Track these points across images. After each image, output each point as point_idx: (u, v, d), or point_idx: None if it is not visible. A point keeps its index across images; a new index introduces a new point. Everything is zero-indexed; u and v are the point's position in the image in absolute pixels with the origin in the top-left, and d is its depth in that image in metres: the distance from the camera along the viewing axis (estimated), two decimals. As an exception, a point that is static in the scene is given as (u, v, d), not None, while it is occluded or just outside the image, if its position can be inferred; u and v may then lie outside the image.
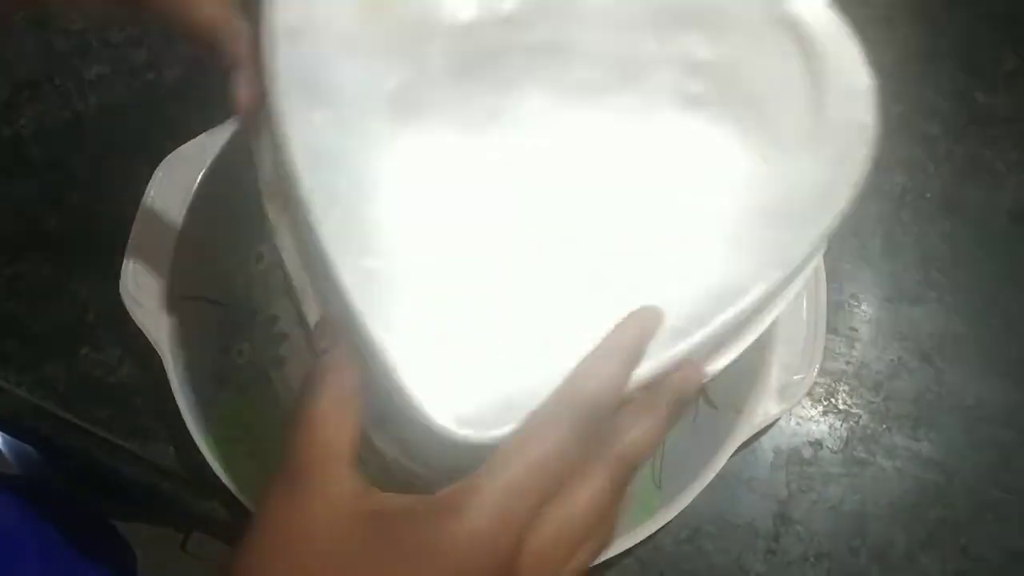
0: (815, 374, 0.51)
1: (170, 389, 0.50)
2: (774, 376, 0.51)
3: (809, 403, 0.55)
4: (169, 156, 0.55)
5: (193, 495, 0.52)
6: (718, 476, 0.50)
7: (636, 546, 0.48)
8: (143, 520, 0.80)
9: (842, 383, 0.56)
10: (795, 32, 0.38)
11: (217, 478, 0.49)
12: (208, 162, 0.54)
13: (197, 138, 0.55)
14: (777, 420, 0.52)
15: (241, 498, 0.49)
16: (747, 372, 0.51)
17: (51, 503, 0.62)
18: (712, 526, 0.52)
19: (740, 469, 0.53)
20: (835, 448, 0.54)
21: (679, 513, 0.49)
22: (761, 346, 0.51)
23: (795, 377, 0.51)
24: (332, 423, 0.31)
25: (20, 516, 0.58)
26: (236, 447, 0.50)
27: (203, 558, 0.90)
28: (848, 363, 0.56)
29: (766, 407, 0.50)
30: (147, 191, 0.54)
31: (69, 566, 0.59)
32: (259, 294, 0.55)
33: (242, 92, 0.36)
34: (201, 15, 0.36)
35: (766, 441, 0.54)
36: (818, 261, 0.52)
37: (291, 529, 0.30)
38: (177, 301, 0.52)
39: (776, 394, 0.50)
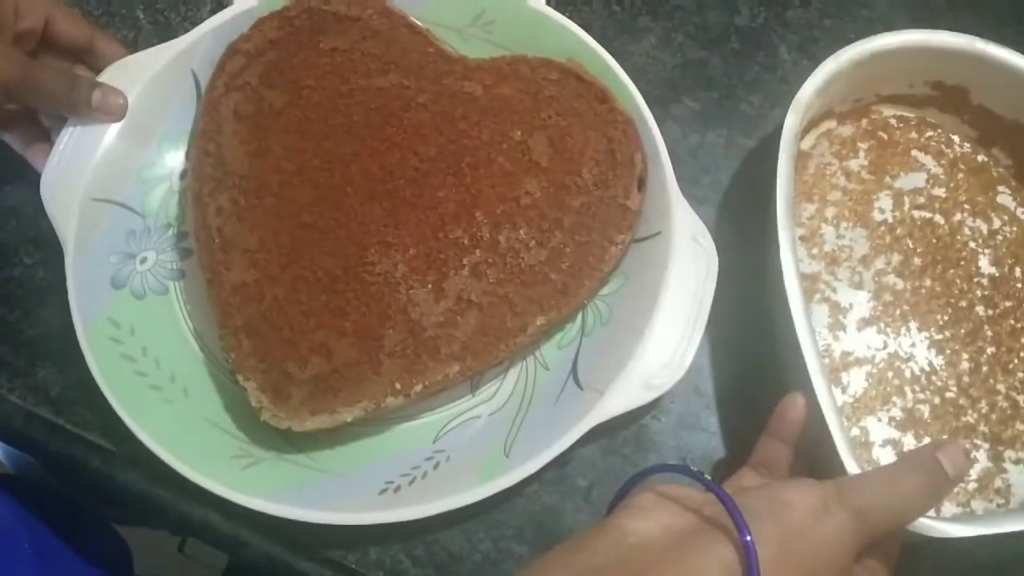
0: (686, 367, 0.50)
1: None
2: (643, 365, 0.50)
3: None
4: (116, 63, 0.57)
5: (189, 503, 0.51)
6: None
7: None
8: (140, 523, 0.82)
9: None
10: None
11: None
12: (148, 76, 0.56)
13: (147, 51, 0.57)
14: (645, 409, 0.51)
15: (101, 385, 0.50)
16: (617, 358, 0.51)
17: (47, 503, 0.64)
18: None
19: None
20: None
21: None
22: (636, 334, 0.51)
23: (663, 370, 0.50)
24: None
25: (16, 516, 0.59)
26: (114, 348, 0.52)
27: (201, 560, 0.92)
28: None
29: (629, 393, 0.50)
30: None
31: (65, 566, 0.61)
32: (174, 210, 0.57)
33: None
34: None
35: None
36: (709, 255, 0.52)
37: None
38: (94, 202, 0.54)
39: (641, 382, 0.50)
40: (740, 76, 0.62)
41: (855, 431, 0.53)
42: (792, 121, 0.52)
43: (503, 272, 0.52)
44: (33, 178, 0.55)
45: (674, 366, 0.51)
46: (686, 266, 0.52)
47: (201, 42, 0.58)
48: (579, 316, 0.54)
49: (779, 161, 0.51)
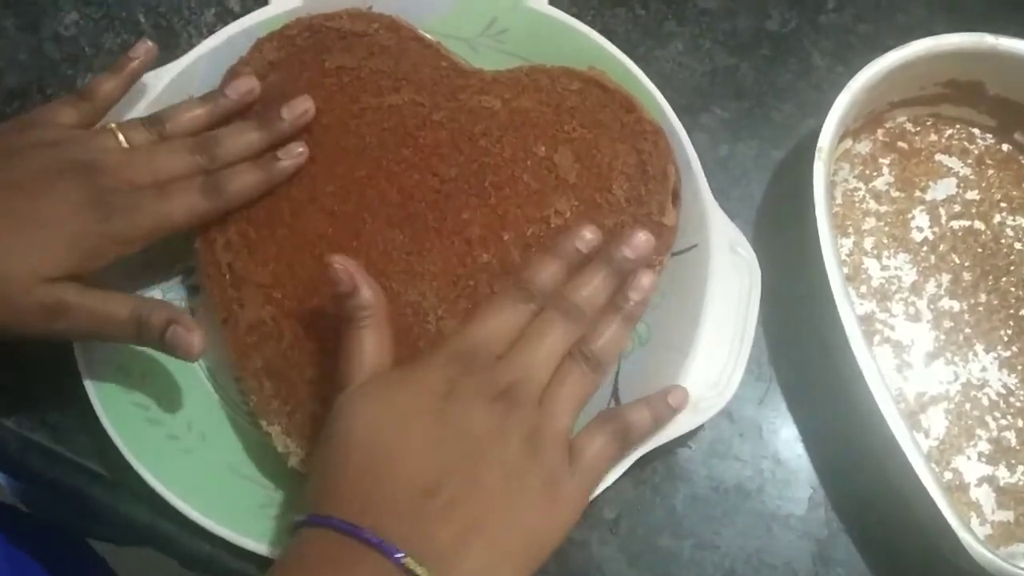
0: (735, 388, 0.48)
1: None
2: (689, 387, 0.48)
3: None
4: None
5: (192, 536, 0.49)
6: (753, 512, 0.49)
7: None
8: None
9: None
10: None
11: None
12: (144, 104, 0.53)
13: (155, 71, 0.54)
14: (692, 434, 0.49)
15: (116, 440, 0.47)
16: (660, 381, 0.48)
17: (23, 527, 0.61)
18: (747, 567, 0.50)
19: (777, 505, 0.51)
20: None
21: (712, 552, 0.49)
22: (678, 353, 0.48)
23: (710, 391, 0.48)
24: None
25: None
26: (126, 398, 0.49)
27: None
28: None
29: (676, 418, 0.47)
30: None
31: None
32: (178, 245, 0.54)
33: None
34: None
35: (803, 475, 0.51)
36: (751, 267, 0.49)
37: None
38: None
39: (689, 407, 0.47)
40: (771, 84, 0.60)
41: (947, 475, 0.50)
42: (820, 170, 0.50)
43: (536, 298, 0.49)
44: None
45: (721, 387, 0.48)
46: (727, 279, 0.50)
47: (198, 65, 0.54)
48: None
49: (818, 222, 0.48)
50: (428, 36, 0.55)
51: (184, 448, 0.49)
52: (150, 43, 0.52)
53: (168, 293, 0.53)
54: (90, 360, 0.49)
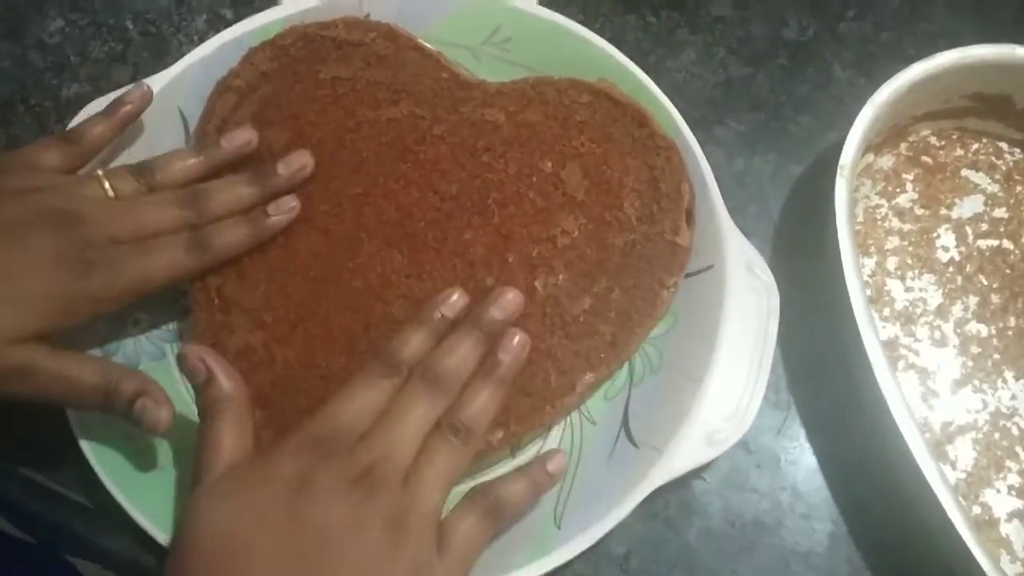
0: (752, 418, 0.45)
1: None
2: (704, 418, 0.45)
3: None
4: (92, 103, 0.51)
5: None
6: (771, 548, 0.47)
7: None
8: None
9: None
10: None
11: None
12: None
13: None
14: (707, 464, 0.46)
15: (94, 465, 0.45)
16: (674, 410, 0.45)
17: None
18: (767, 605, 0.47)
19: (796, 541, 0.48)
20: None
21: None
22: (692, 381, 0.46)
23: (727, 422, 0.45)
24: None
25: None
26: (111, 428, 0.46)
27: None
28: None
29: (691, 451, 0.45)
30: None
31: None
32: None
33: None
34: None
35: (823, 509, 0.48)
36: (769, 289, 0.47)
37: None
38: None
39: (704, 438, 0.45)
40: (789, 95, 0.57)
41: (976, 509, 0.48)
42: (842, 188, 0.47)
43: (543, 324, 0.46)
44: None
45: (738, 418, 0.45)
46: (744, 301, 0.47)
47: (187, 75, 0.52)
48: (626, 363, 0.49)
49: (840, 243, 0.46)
50: (428, 46, 0.52)
51: (171, 479, 0.46)
52: (146, 86, 0.49)
53: (156, 314, 0.50)
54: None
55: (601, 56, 0.52)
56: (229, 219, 0.47)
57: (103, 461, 0.45)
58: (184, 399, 0.48)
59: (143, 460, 0.46)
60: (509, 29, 0.53)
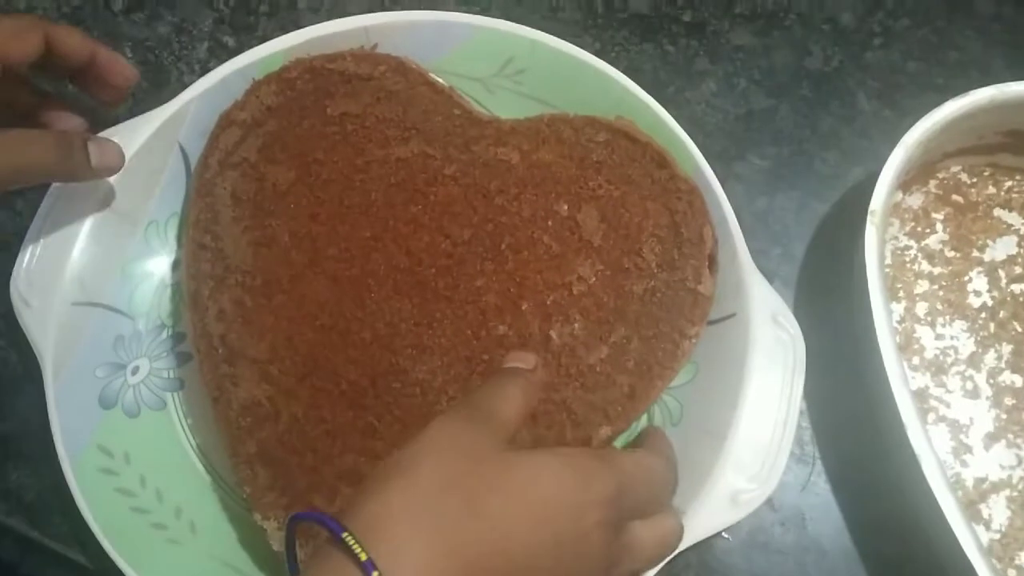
0: (777, 480, 0.43)
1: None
2: (727, 479, 0.43)
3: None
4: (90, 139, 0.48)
5: None
6: None
7: None
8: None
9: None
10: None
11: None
12: (129, 153, 0.48)
13: (125, 123, 0.49)
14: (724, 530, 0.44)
15: (96, 532, 0.43)
16: (696, 468, 0.44)
17: None
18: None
19: None
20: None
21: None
22: (715, 438, 0.44)
23: (751, 482, 0.43)
24: None
25: None
26: (108, 482, 0.45)
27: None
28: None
29: (713, 514, 0.43)
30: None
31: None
32: (167, 307, 0.50)
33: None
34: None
35: (851, 570, 0.46)
36: (796, 341, 0.45)
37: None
38: (74, 307, 0.47)
39: (728, 499, 0.43)
40: (812, 128, 0.54)
41: (1011, 572, 0.46)
42: (872, 235, 0.45)
43: (558, 375, 0.44)
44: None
45: (763, 478, 0.44)
46: (769, 354, 0.45)
47: (188, 109, 0.50)
48: (644, 414, 0.47)
49: (871, 294, 0.44)
50: (440, 80, 0.50)
51: (171, 538, 0.45)
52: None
53: (156, 362, 0.48)
54: (69, 439, 0.44)
55: (617, 88, 0.49)
56: None
57: (100, 519, 0.43)
58: (189, 456, 0.47)
59: (143, 517, 0.45)
60: (522, 61, 0.51)
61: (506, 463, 0.34)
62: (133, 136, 0.49)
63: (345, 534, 0.31)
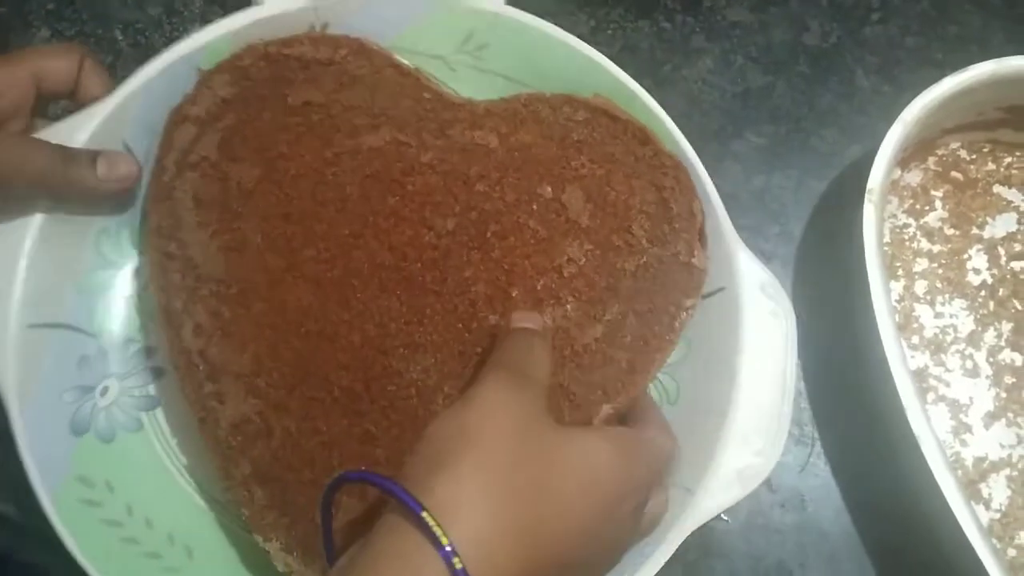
0: (778, 455, 0.44)
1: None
2: (733, 453, 0.43)
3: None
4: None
5: None
6: None
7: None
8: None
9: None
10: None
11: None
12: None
13: (64, 121, 0.45)
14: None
15: (87, 568, 0.40)
16: (700, 446, 0.44)
17: None
18: None
19: None
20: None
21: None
22: (714, 415, 0.44)
23: (757, 457, 0.43)
24: None
25: None
26: (92, 514, 0.42)
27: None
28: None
29: (723, 488, 0.43)
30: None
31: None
32: (133, 320, 0.47)
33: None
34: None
35: (850, 550, 0.47)
36: (786, 311, 0.45)
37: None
38: (30, 330, 0.43)
39: (734, 475, 0.43)
40: (810, 106, 0.54)
41: (1011, 552, 0.47)
42: (871, 214, 0.45)
43: (553, 357, 0.43)
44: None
45: (767, 451, 0.44)
46: (762, 326, 0.45)
47: (131, 103, 0.46)
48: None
49: (869, 273, 0.44)
50: (405, 63, 0.48)
51: (167, 567, 0.42)
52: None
53: (126, 380, 0.46)
54: (45, 472, 0.42)
55: (582, 61, 0.47)
56: None
57: (90, 554, 0.41)
58: (174, 477, 0.44)
59: (134, 547, 0.43)
60: (483, 35, 0.49)
61: (561, 440, 0.35)
62: (73, 134, 0.45)
63: (424, 513, 0.30)
